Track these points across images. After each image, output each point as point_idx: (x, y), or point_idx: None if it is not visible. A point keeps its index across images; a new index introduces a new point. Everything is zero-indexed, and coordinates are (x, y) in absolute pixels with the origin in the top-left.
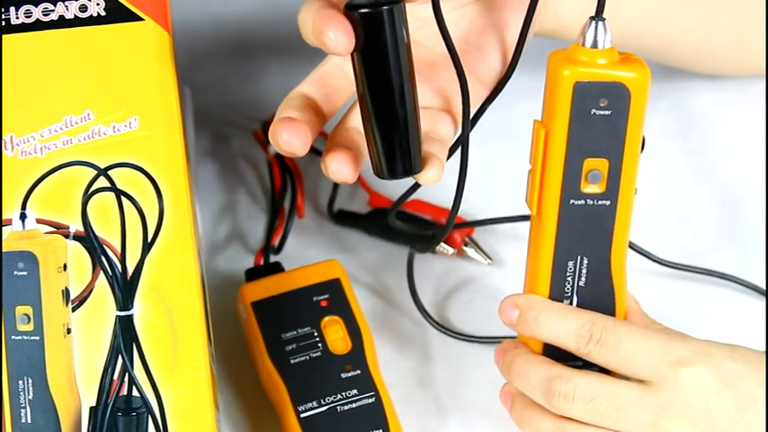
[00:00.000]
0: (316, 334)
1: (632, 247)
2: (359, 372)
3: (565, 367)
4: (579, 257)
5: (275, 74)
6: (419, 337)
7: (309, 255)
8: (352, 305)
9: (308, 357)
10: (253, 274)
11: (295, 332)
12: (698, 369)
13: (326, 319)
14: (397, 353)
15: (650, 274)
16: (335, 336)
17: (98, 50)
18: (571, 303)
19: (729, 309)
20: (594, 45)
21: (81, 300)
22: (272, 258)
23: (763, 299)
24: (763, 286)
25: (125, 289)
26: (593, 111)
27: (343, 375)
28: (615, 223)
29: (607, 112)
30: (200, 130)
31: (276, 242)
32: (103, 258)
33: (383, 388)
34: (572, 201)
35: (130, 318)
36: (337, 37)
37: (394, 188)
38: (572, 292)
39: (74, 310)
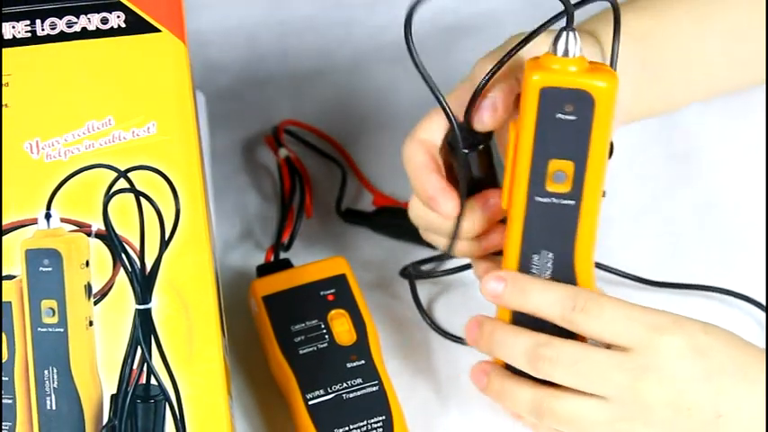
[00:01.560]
0: (323, 326)
1: (612, 270)
2: (363, 362)
3: (547, 335)
4: (543, 252)
5: (285, 82)
6: (421, 329)
7: (317, 252)
8: (357, 299)
9: (315, 348)
10: (264, 270)
11: (303, 324)
12: (674, 337)
13: (333, 312)
14: (399, 344)
15: (634, 288)
16: (341, 328)
17: (118, 60)
18: None
19: (716, 320)
20: (565, 54)
21: (102, 294)
22: (282, 255)
23: (750, 306)
24: (748, 293)
25: (144, 284)
26: (559, 115)
27: (349, 365)
28: (579, 223)
29: (572, 118)
30: (213, 135)
31: (286, 240)
32: (123, 255)
33: (386, 377)
34: (537, 198)
35: (149, 311)
36: (446, 206)
37: (396, 188)
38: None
39: (96, 303)
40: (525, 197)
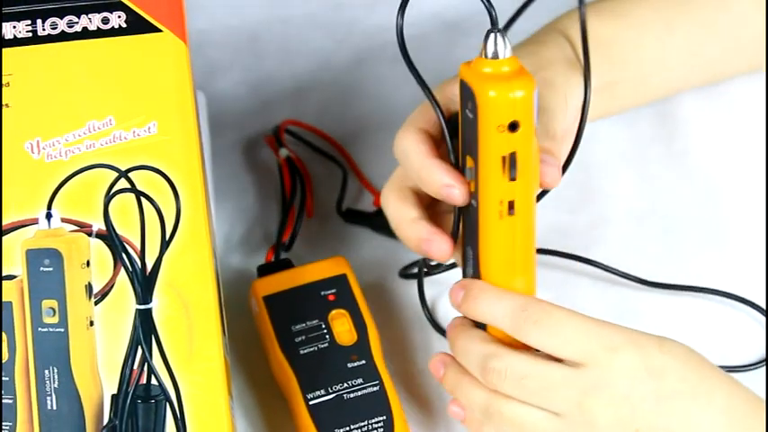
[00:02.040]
0: (323, 326)
1: (612, 270)
2: (364, 362)
3: (501, 346)
4: (468, 248)
5: (286, 82)
6: (421, 329)
7: (317, 252)
8: (357, 299)
9: (316, 348)
10: (264, 270)
11: (304, 324)
12: (628, 356)
13: (334, 312)
14: (400, 344)
15: (633, 289)
16: (342, 328)
17: (119, 60)
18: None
19: (714, 322)
20: (495, 56)
21: (103, 294)
22: (283, 255)
23: (751, 309)
24: (748, 295)
25: (144, 284)
26: (466, 111)
27: (349, 365)
28: (479, 225)
29: (471, 115)
30: (214, 135)
31: (286, 240)
32: (124, 255)
33: (387, 377)
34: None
35: (149, 311)
36: (440, 251)
37: None
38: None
39: (96, 303)
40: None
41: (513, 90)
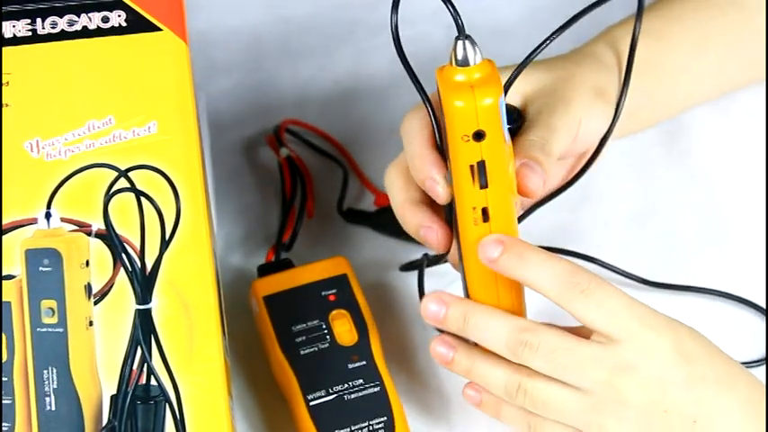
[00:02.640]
0: (324, 327)
1: (613, 269)
2: (365, 362)
3: (529, 320)
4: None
5: (287, 81)
6: (422, 330)
7: (318, 252)
8: (358, 299)
9: (316, 349)
10: (264, 270)
11: (304, 325)
12: (664, 338)
13: (334, 312)
14: (401, 344)
15: (634, 288)
16: (343, 328)
17: (119, 59)
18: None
19: (714, 322)
20: (465, 62)
21: (102, 294)
22: (283, 255)
23: (751, 309)
24: (748, 296)
25: (144, 284)
26: (440, 115)
27: (350, 366)
28: (459, 230)
29: (444, 123)
30: (214, 135)
31: (287, 240)
32: (124, 255)
33: (387, 378)
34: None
35: (149, 311)
36: (438, 241)
37: None
38: (462, 271)
39: (96, 303)
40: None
41: (476, 99)
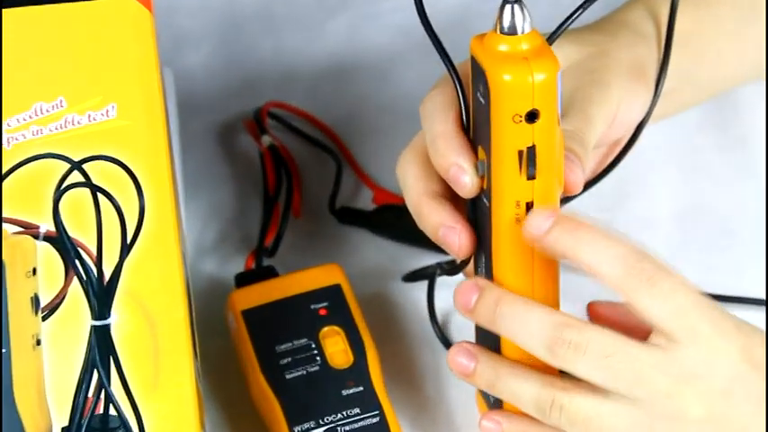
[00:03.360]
0: (313, 346)
1: None
2: (361, 388)
3: (572, 315)
4: (481, 252)
5: (269, 56)
6: (429, 350)
7: (307, 258)
8: (354, 314)
9: (304, 372)
10: (243, 280)
11: (290, 344)
12: (732, 345)
13: (326, 329)
14: (404, 367)
15: None
16: (335, 348)
17: (71, 30)
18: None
19: None
20: (512, 30)
21: (52, 308)
22: (265, 262)
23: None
24: None
25: (101, 296)
26: (477, 93)
27: (344, 392)
28: (492, 230)
29: (482, 100)
30: (184, 119)
31: (269, 244)
32: (77, 261)
33: (388, 406)
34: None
35: (107, 328)
36: (461, 245)
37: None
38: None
39: (44, 319)
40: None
41: (532, 73)
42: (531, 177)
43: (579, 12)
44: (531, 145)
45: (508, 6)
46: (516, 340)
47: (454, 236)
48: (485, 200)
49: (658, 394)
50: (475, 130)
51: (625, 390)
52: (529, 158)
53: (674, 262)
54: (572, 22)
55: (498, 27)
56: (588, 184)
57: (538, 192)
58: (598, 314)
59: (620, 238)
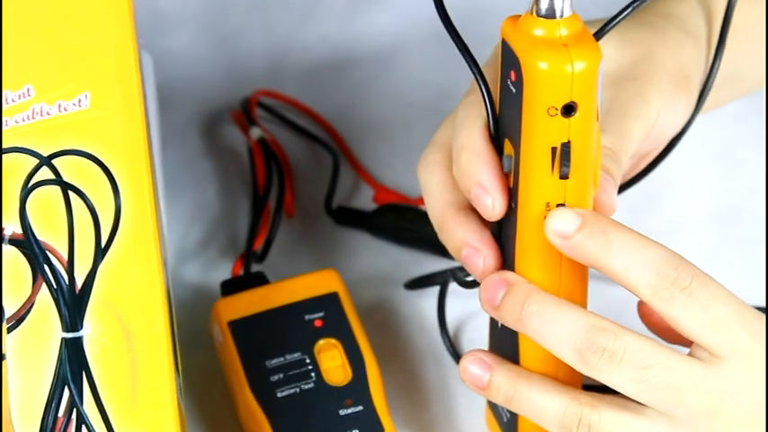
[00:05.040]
0: (308, 361)
1: None
2: (361, 408)
3: (608, 319)
4: (505, 254)
5: (258, 40)
6: (435, 365)
7: (300, 263)
8: (352, 325)
9: (298, 390)
10: (230, 288)
11: (282, 359)
12: None
13: (321, 342)
14: (408, 384)
15: None
16: (332, 363)
17: (40, 10)
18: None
19: None
20: (550, 13)
21: (18, 318)
22: (254, 268)
23: None
24: None
25: (73, 305)
26: (507, 81)
27: (342, 412)
28: (518, 233)
29: (513, 90)
30: (165, 110)
31: (259, 248)
32: (46, 267)
33: (391, 427)
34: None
35: (79, 340)
36: (486, 267)
37: (403, 181)
38: None
39: (9, 331)
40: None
41: (571, 61)
42: (563, 177)
43: (632, 8)
44: (565, 141)
45: None
46: (544, 342)
47: (479, 259)
48: (512, 205)
49: (698, 412)
50: (503, 123)
51: (662, 406)
52: (563, 156)
53: (709, 268)
54: (623, 18)
55: (535, 9)
56: None
57: (570, 193)
58: (650, 317)
59: (654, 242)
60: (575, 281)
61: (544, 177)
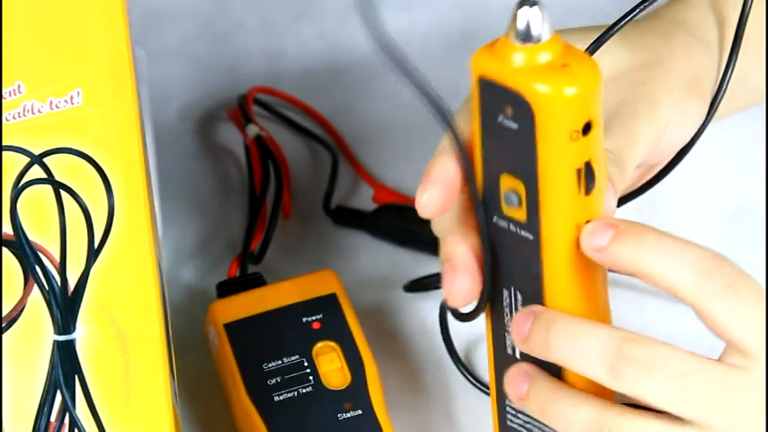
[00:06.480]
0: (306, 364)
1: None
2: (360, 411)
3: (612, 407)
4: (512, 288)
5: (255, 36)
6: (435, 368)
7: (298, 264)
8: (351, 328)
9: (295, 393)
10: (226, 289)
11: (280, 362)
12: None
13: (319, 345)
14: (408, 388)
15: None
16: (331, 366)
17: (31, 5)
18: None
19: None
20: (526, 38)
21: (9, 321)
22: (251, 269)
23: None
24: None
25: (65, 307)
26: (500, 118)
27: (341, 416)
28: (544, 266)
29: (513, 125)
30: (159, 107)
31: (256, 248)
32: (38, 268)
33: (390, 431)
34: (495, 218)
35: (72, 343)
36: (461, 291)
37: (404, 180)
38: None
39: (0, 334)
40: (483, 214)
41: (581, 81)
42: (588, 192)
43: (636, 12)
44: (587, 160)
45: (531, 10)
46: (574, 365)
47: (452, 277)
48: (524, 233)
49: (736, 419)
50: (493, 161)
51: (699, 415)
52: (587, 175)
53: None
54: (624, 24)
55: (515, 36)
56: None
57: (594, 207)
58: None
59: (692, 242)
60: (604, 299)
61: (572, 199)
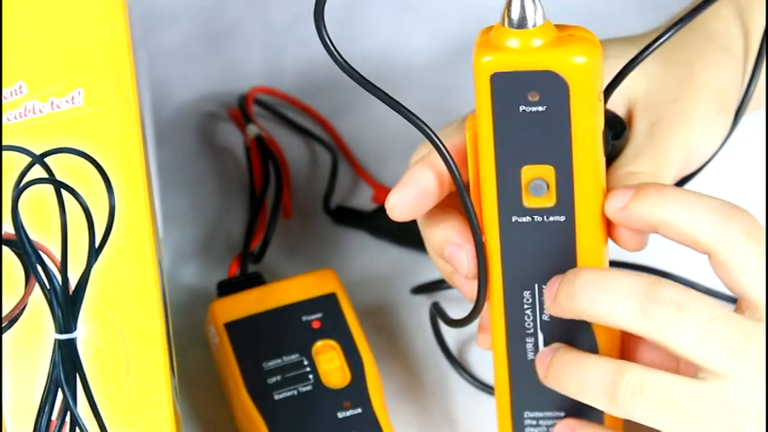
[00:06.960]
0: (305, 363)
1: (695, 286)
2: (360, 410)
3: (630, 362)
4: (537, 286)
5: (255, 36)
6: (435, 367)
7: (298, 263)
8: (351, 327)
9: (295, 392)
10: (226, 288)
11: (279, 360)
12: None
13: (319, 344)
14: (407, 387)
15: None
16: (330, 365)
17: (32, 5)
18: (536, 342)
19: None
20: (522, 23)
21: (11, 320)
22: (251, 268)
23: None
24: None
25: (66, 306)
26: (522, 107)
27: (341, 415)
28: (578, 243)
29: (540, 108)
30: (160, 107)
31: (256, 248)
32: (39, 267)
33: (390, 430)
34: (514, 218)
35: (73, 342)
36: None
37: None
38: (534, 328)
39: (1, 332)
40: (497, 219)
41: (598, 45)
42: (606, 151)
43: (674, 32)
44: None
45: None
46: (582, 397)
47: (462, 254)
48: (553, 218)
49: (757, 370)
50: (516, 150)
51: (725, 364)
52: (606, 138)
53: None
54: (662, 42)
55: (506, 20)
56: None
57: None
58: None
59: (709, 195)
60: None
61: (600, 162)
